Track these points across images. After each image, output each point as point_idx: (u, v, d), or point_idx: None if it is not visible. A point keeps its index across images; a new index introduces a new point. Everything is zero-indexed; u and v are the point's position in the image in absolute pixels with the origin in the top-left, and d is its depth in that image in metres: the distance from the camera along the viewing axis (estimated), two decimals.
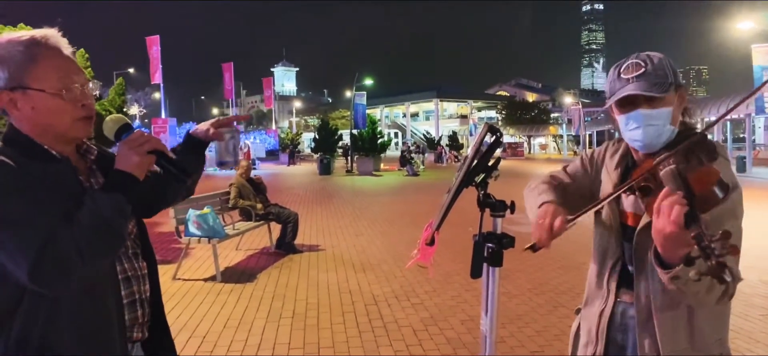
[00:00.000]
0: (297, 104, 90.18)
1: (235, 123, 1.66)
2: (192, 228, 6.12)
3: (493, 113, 79.63)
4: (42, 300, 1.20)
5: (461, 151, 45.50)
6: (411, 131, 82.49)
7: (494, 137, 1.36)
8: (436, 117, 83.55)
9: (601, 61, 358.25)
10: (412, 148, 37.09)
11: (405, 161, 28.01)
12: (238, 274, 6.26)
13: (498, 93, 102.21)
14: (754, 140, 39.09)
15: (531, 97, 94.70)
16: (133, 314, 1.41)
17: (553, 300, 5.16)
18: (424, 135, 54.53)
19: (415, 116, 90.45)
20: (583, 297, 1.73)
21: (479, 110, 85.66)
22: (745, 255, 1.38)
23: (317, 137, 31.98)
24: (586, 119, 50.60)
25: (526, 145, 61.17)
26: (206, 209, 6.32)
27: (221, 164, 1.66)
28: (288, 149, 41.33)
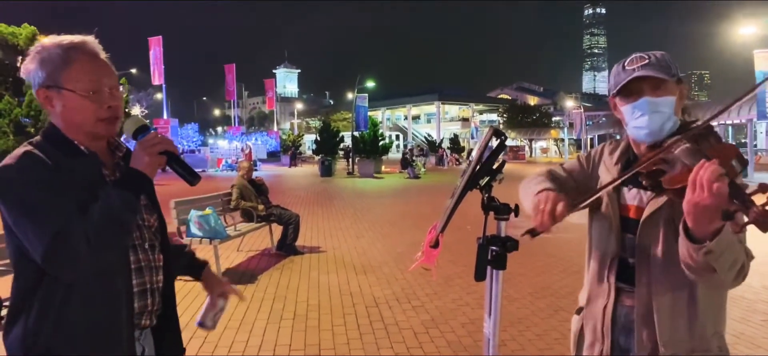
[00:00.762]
0: (298, 106, 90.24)
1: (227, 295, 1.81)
2: (193, 229, 6.12)
3: (494, 117, 79.59)
4: (58, 283, 1.31)
5: (462, 154, 45.49)
6: (412, 133, 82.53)
7: (499, 140, 1.36)
8: (438, 120, 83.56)
9: (604, 65, 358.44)
10: (415, 151, 37.12)
11: (406, 163, 28.02)
12: (240, 275, 6.26)
13: (499, 96, 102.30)
14: (755, 145, 39.07)
15: (532, 100, 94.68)
16: (142, 301, 1.48)
17: (554, 303, 5.15)
18: (425, 138, 54.51)
19: (416, 118, 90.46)
20: (584, 297, 1.72)
21: (481, 113, 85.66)
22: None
23: (318, 138, 31.99)
24: (587, 122, 50.61)
25: (527, 148, 61.11)
26: (208, 210, 6.33)
27: (201, 325, 1.78)
28: (289, 151, 41.36)
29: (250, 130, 73.62)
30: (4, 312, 3.14)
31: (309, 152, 54.49)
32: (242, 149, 35.54)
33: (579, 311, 1.76)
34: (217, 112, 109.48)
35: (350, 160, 30.36)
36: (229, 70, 44.84)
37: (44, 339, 1.31)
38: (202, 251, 7.03)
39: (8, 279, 3.03)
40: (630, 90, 1.50)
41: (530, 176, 1.76)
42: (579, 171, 1.77)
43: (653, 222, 1.48)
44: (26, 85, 19.46)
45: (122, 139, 1.60)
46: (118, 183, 1.37)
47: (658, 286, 1.48)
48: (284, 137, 55.82)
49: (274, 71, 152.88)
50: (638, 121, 1.49)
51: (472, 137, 63.68)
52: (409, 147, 42.12)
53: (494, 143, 1.37)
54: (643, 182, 1.43)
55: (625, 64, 1.52)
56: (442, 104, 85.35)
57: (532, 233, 1.46)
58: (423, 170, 29.36)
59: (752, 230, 1.40)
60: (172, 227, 7.33)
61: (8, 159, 1.32)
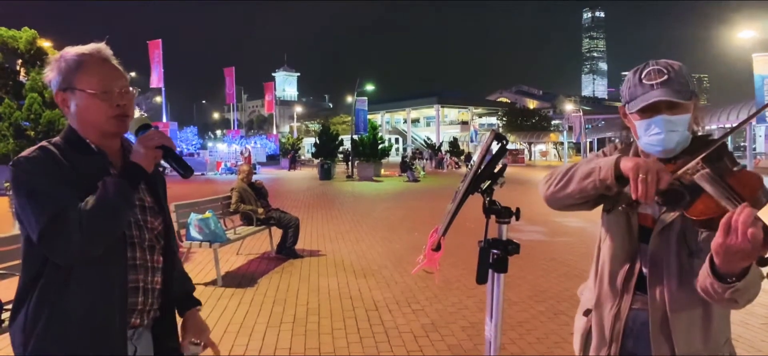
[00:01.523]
0: (298, 109, 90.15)
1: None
2: (193, 232, 6.12)
3: (494, 120, 79.70)
4: (58, 272, 1.40)
5: (461, 157, 45.47)
6: (412, 136, 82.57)
7: (500, 144, 1.37)
8: (437, 123, 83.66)
9: (603, 68, 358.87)
10: (415, 154, 37.04)
11: (406, 166, 28.03)
12: (239, 278, 6.26)
13: (499, 100, 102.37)
14: (754, 149, 39.12)
15: (532, 104, 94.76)
16: (133, 299, 1.53)
17: (553, 307, 5.15)
18: (424, 141, 54.54)
19: (415, 121, 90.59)
20: (592, 298, 1.71)
21: (480, 116, 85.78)
22: None
23: (318, 142, 32.00)
24: (586, 126, 50.65)
25: (526, 152, 61.18)
26: (208, 214, 6.32)
27: None
28: (289, 154, 41.36)
29: (250, 133, 73.63)
30: (5, 315, 3.15)
31: (308, 155, 54.49)
32: (241, 153, 35.53)
33: (587, 312, 1.75)
34: (216, 115, 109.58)
35: (350, 163, 30.36)
36: (228, 73, 44.89)
37: (41, 327, 1.39)
38: (202, 254, 7.04)
39: (8, 282, 3.02)
40: (648, 106, 1.46)
41: (556, 171, 1.67)
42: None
43: (665, 234, 1.49)
44: (26, 88, 19.48)
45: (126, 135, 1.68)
46: (117, 175, 1.47)
47: (672, 298, 1.48)
48: (284, 140, 55.82)
49: (273, 74, 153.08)
50: (652, 138, 1.48)
51: (472, 141, 63.76)
52: (409, 153, 42.10)
53: (495, 146, 1.37)
54: (657, 199, 1.41)
55: (642, 76, 1.49)
56: (442, 107, 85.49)
57: (631, 204, 1.40)
58: (423, 173, 29.37)
59: None
60: None
61: (26, 151, 1.44)
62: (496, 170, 1.38)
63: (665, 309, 1.49)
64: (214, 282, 5.96)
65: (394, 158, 49.32)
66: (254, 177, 8.29)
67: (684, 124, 1.46)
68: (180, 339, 1.75)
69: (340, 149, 33.95)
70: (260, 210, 7.48)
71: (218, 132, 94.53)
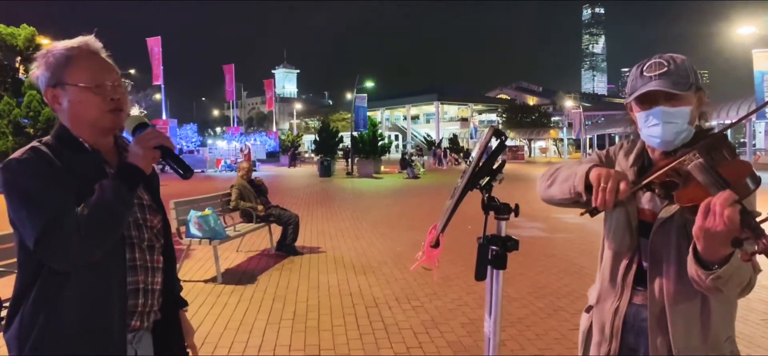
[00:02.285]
0: (298, 106, 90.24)
1: None
2: (193, 229, 6.12)
3: (493, 117, 79.64)
4: (55, 276, 1.36)
5: (460, 154, 45.41)
6: (411, 133, 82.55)
7: (499, 140, 1.37)
8: (437, 120, 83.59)
9: (603, 65, 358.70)
10: (414, 151, 36.98)
11: (405, 163, 28.02)
12: (239, 275, 6.26)
13: (499, 96, 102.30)
14: (754, 145, 39.12)
15: (532, 100, 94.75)
16: (134, 301, 1.50)
17: (553, 303, 5.16)
18: (424, 138, 54.54)
19: (415, 118, 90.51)
20: (594, 295, 1.72)
21: (480, 113, 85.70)
22: None
23: (318, 139, 32.00)
24: (586, 122, 50.62)
25: (526, 148, 61.16)
26: (207, 211, 6.32)
27: None
28: (288, 151, 41.35)
29: (249, 130, 73.56)
30: (4, 312, 3.15)
31: (309, 154, 54.45)
32: (241, 150, 35.52)
33: (588, 309, 1.76)
34: (216, 112, 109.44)
35: (349, 160, 30.36)
36: (228, 70, 44.84)
37: (38, 330, 1.35)
38: (202, 251, 7.04)
39: (7, 280, 3.03)
40: (646, 97, 1.49)
41: (552, 169, 1.73)
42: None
43: (666, 228, 1.48)
44: (25, 86, 19.46)
45: (123, 133, 1.62)
46: (114, 176, 1.42)
47: (671, 292, 1.48)
48: (283, 137, 55.81)
49: (273, 71, 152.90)
50: (652, 129, 1.49)
51: (472, 137, 63.68)
52: (409, 150, 42.03)
53: (494, 143, 1.37)
54: (656, 191, 1.42)
55: (644, 69, 1.50)
56: (442, 103, 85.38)
57: (593, 212, 1.43)
58: (422, 170, 29.37)
59: None
60: (171, 227, 7.29)
61: (15, 154, 1.38)
62: (495, 167, 1.38)
63: (664, 303, 1.49)
64: (214, 279, 5.96)
65: (395, 154, 49.34)
66: (254, 174, 8.29)
67: (683, 116, 1.46)
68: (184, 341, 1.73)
69: (340, 146, 33.97)
70: (260, 207, 7.48)
71: (218, 129, 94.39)
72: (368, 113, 32.60)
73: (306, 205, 14.08)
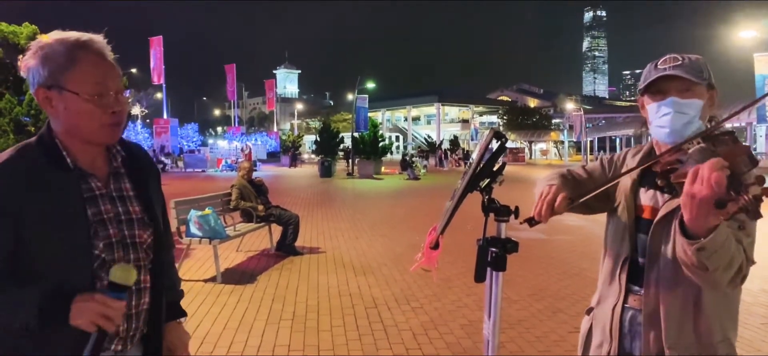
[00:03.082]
0: (299, 106, 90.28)
1: None
2: (193, 229, 6.12)
3: (494, 118, 79.64)
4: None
5: (457, 152, 45.24)
6: (412, 134, 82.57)
7: (499, 142, 1.37)
8: (438, 121, 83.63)
9: (604, 67, 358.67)
10: (415, 153, 36.88)
11: (406, 164, 28.03)
12: (239, 275, 6.26)
13: (499, 98, 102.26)
14: (755, 149, 39.09)
15: (532, 102, 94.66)
16: (114, 329, 1.32)
17: (552, 305, 5.15)
18: (425, 139, 54.53)
19: (416, 119, 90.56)
20: (596, 297, 1.72)
21: (480, 114, 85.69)
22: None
23: (318, 139, 32.01)
24: (587, 125, 50.61)
25: (527, 150, 61.16)
26: (207, 210, 6.33)
27: None
28: (289, 152, 41.36)
29: (250, 130, 73.63)
30: None
31: (310, 153, 54.44)
32: (242, 150, 35.53)
33: (589, 311, 1.76)
34: (217, 112, 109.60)
35: (350, 161, 30.37)
36: (229, 70, 44.94)
37: (9, 350, 1.25)
38: (202, 251, 7.04)
39: None
40: (658, 88, 1.51)
41: (550, 173, 1.77)
42: (600, 173, 1.77)
43: (666, 224, 1.48)
44: (26, 84, 19.48)
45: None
46: (44, 299, 1.22)
47: (666, 287, 1.47)
48: (284, 137, 55.82)
49: (274, 72, 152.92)
50: (662, 120, 1.49)
51: (472, 139, 63.70)
52: (411, 151, 41.94)
53: (495, 144, 1.37)
54: (658, 182, 1.43)
55: (658, 63, 1.53)
56: (442, 105, 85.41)
57: (530, 221, 1.48)
58: (423, 171, 29.36)
59: (757, 237, 1.40)
60: (171, 227, 7.29)
61: (2, 155, 1.26)
62: (495, 168, 1.38)
63: (658, 300, 1.49)
64: (213, 279, 5.96)
65: (396, 155, 49.35)
66: (254, 174, 8.29)
67: (694, 108, 1.47)
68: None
69: (341, 146, 33.94)
70: (260, 207, 7.48)
71: (219, 129, 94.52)
72: (369, 114, 32.62)
73: (306, 205, 14.08)
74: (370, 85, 37.77)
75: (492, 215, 1.42)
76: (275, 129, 59.20)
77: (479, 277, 1.38)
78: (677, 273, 1.44)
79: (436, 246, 1.47)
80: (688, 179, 1.15)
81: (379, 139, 30.47)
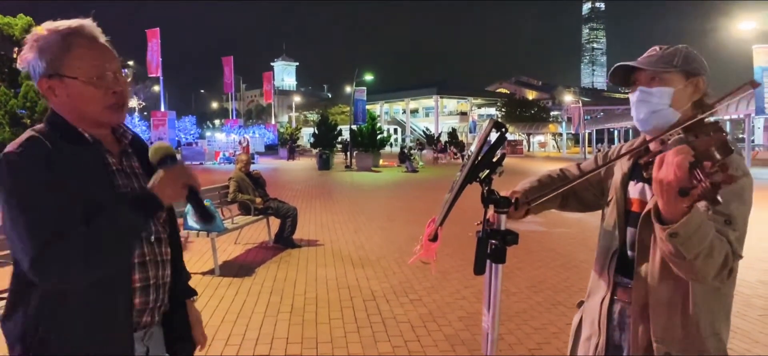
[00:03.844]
0: (296, 99, 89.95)
1: None
2: (191, 221, 6.10)
3: (492, 111, 79.58)
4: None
5: (459, 148, 45.13)
6: (411, 127, 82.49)
7: (499, 132, 1.35)
8: (436, 114, 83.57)
9: (603, 59, 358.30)
10: (414, 145, 36.75)
11: (404, 157, 28.00)
12: (237, 268, 6.25)
13: (498, 90, 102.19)
14: (753, 141, 39.12)
15: (531, 95, 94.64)
16: (144, 298, 1.42)
17: (551, 297, 5.15)
18: (423, 132, 54.46)
19: (414, 112, 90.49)
20: (587, 291, 1.73)
21: (479, 107, 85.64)
22: (744, 256, 1.37)
23: (316, 132, 31.94)
24: (585, 117, 50.56)
25: (525, 143, 61.15)
26: (205, 203, 6.30)
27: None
28: (287, 144, 41.27)
29: (248, 123, 73.46)
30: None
31: (307, 145, 54.36)
32: (240, 142, 35.44)
33: (580, 304, 1.77)
34: (214, 104, 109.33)
35: (348, 153, 30.32)
36: (226, 62, 44.68)
37: (42, 330, 1.27)
38: (200, 243, 7.02)
39: (8, 270, 3.00)
40: (633, 80, 1.57)
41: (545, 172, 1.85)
42: (594, 169, 1.78)
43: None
44: (22, 76, 19.40)
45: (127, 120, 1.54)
46: (133, 203, 1.31)
47: (655, 280, 1.47)
48: (282, 130, 55.70)
49: (272, 64, 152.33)
50: (633, 110, 1.55)
51: (471, 131, 63.62)
52: (409, 143, 41.79)
53: (494, 135, 1.35)
54: (644, 174, 1.42)
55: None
56: (441, 97, 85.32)
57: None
58: (421, 163, 29.32)
59: (754, 228, 1.39)
60: None
61: (12, 146, 1.26)
62: (494, 160, 1.36)
63: (647, 292, 1.48)
64: (211, 271, 5.95)
65: (395, 148, 49.29)
66: (252, 167, 8.26)
67: (660, 95, 1.49)
68: (192, 331, 1.68)
69: (339, 139, 33.88)
70: (258, 200, 7.46)
71: (216, 122, 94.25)
72: (367, 107, 32.56)
73: (304, 198, 14.06)
74: (369, 77, 37.68)
75: (492, 206, 1.40)
76: (273, 122, 58.97)
77: (479, 270, 1.37)
78: (666, 266, 1.43)
79: (434, 238, 1.45)
80: (656, 165, 1.17)
81: (378, 131, 30.41)
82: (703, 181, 1.05)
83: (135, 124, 44.40)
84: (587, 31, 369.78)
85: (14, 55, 20.82)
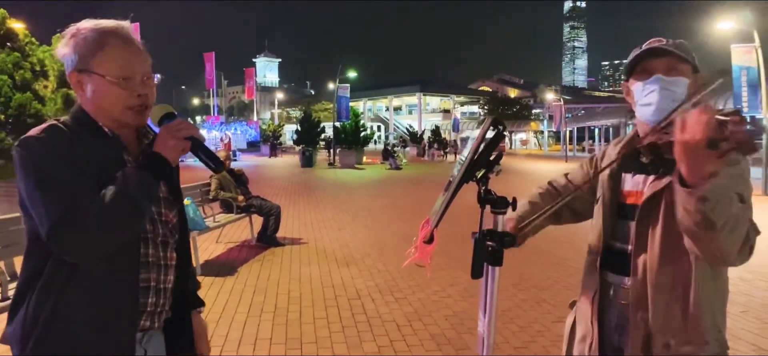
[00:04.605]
0: (279, 96, 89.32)
1: None
2: None
3: (475, 109, 79.95)
4: (61, 268, 1.27)
5: (444, 147, 45.00)
6: (394, 124, 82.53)
7: (497, 130, 1.30)
8: (420, 111, 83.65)
9: (584, 58, 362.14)
10: (397, 142, 36.62)
11: (388, 154, 27.97)
12: (219, 267, 6.15)
13: (480, 88, 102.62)
14: None
15: (513, 92, 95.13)
16: (144, 299, 1.41)
17: (536, 295, 5.15)
18: (407, 129, 54.47)
19: (398, 109, 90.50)
20: (579, 291, 1.71)
21: (462, 104, 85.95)
22: None
23: (299, 129, 31.75)
24: (567, 115, 51.03)
25: (507, 140, 61.52)
26: (186, 201, 6.18)
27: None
28: (269, 141, 40.95)
29: (230, 119, 72.77)
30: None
31: (290, 143, 54.03)
32: (221, 139, 35.09)
33: (572, 304, 1.74)
34: (196, 101, 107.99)
35: (331, 151, 30.19)
36: (208, 58, 44.15)
37: (42, 326, 1.27)
38: None
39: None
40: (644, 68, 1.51)
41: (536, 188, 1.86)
42: (581, 177, 1.78)
43: (653, 205, 1.45)
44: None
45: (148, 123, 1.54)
46: (138, 165, 1.35)
47: (654, 270, 1.44)
48: (264, 127, 55.23)
49: (254, 60, 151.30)
50: (648, 98, 1.49)
51: (454, 130, 63.73)
52: (392, 140, 41.66)
53: (491, 133, 1.30)
54: (643, 160, 1.40)
55: (644, 45, 1.54)
56: (424, 95, 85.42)
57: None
58: (404, 161, 29.30)
59: (758, 210, 1.37)
60: None
61: (33, 131, 1.30)
62: (492, 158, 1.31)
63: (646, 283, 1.46)
64: None
65: (378, 145, 49.23)
66: (234, 164, 8.15)
67: (680, 86, 1.47)
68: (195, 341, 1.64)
69: (322, 136, 33.71)
70: (240, 198, 7.36)
71: (198, 118, 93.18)
72: (351, 104, 32.41)
73: (287, 195, 13.94)
74: (352, 74, 37.50)
75: (488, 207, 1.36)
76: (255, 118, 58.46)
77: (476, 273, 1.32)
78: (666, 256, 1.42)
79: (430, 240, 1.40)
80: (677, 129, 1.13)
81: (361, 129, 30.33)
82: (737, 130, 1.03)
83: None
84: (568, 29, 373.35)
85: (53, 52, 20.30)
